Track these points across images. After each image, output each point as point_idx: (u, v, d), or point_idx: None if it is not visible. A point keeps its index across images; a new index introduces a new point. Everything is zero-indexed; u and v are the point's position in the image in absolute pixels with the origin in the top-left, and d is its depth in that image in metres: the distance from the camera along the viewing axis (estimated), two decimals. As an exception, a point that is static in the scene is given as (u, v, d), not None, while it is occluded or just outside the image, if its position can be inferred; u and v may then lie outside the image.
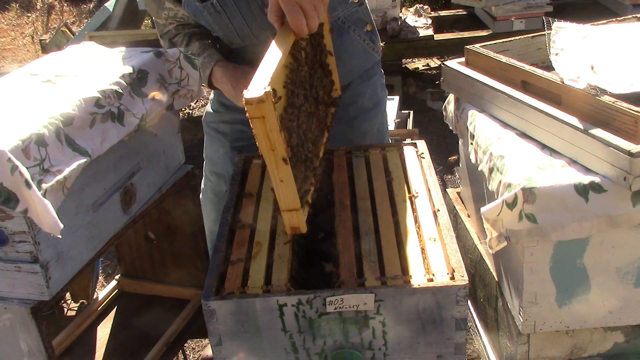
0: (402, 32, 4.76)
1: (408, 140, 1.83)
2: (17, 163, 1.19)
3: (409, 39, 4.75)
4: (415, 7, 5.18)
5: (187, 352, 2.70)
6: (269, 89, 1.18)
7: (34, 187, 1.21)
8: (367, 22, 1.93)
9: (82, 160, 1.34)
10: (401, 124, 3.80)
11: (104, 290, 2.07)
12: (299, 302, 1.35)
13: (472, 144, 1.66)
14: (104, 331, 1.91)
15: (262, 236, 1.48)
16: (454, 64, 1.81)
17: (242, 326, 1.39)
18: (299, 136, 1.37)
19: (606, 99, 1.34)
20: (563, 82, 1.43)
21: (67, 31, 4.91)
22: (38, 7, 7.99)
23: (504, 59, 1.63)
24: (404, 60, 5.31)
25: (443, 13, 5.47)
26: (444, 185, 3.73)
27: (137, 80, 1.54)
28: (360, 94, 1.97)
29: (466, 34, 4.82)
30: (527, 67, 1.55)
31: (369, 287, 1.36)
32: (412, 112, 3.94)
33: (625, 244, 1.39)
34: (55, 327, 1.92)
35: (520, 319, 1.47)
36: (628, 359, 1.54)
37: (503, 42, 1.80)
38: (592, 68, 1.43)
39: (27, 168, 1.22)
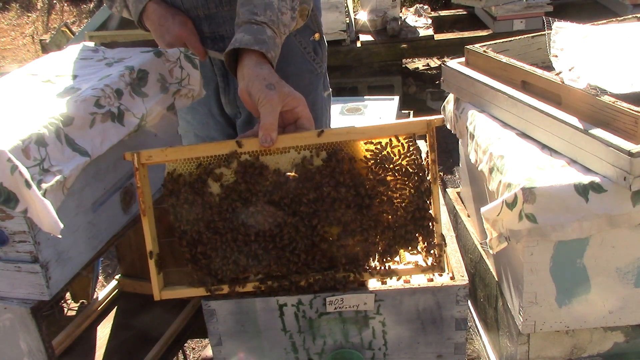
0: (402, 32, 4.76)
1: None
2: (17, 163, 1.19)
3: (409, 39, 4.75)
4: (415, 7, 5.18)
5: (187, 352, 2.70)
6: (135, 157, 1.31)
7: (34, 187, 1.21)
8: (315, 30, 1.80)
9: (82, 160, 1.34)
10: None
11: (104, 290, 2.07)
12: (299, 302, 1.35)
13: (472, 144, 1.66)
14: (104, 331, 1.91)
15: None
16: (454, 64, 1.81)
17: (242, 326, 1.39)
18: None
19: (606, 99, 1.34)
20: (563, 82, 1.43)
21: (67, 31, 4.91)
22: (38, 7, 7.99)
23: (504, 59, 1.63)
24: (404, 60, 5.31)
25: (443, 13, 5.47)
26: (444, 185, 3.73)
27: (137, 80, 1.53)
28: None
29: (466, 34, 4.83)
30: (527, 67, 1.55)
31: (369, 287, 1.36)
32: (412, 112, 3.94)
33: (625, 244, 1.39)
34: (55, 327, 1.92)
35: (520, 319, 1.47)
36: (628, 359, 1.54)
37: (503, 42, 1.80)
38: (571, 69, 1.44)
39: (27, 168, 1.22)
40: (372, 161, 1.30)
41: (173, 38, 1.67)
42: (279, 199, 1.29)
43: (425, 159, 1.30)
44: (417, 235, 1.32)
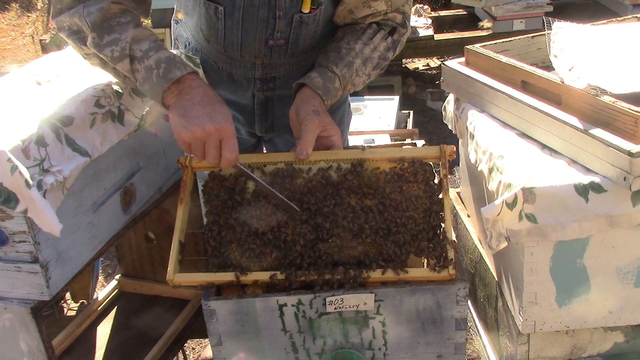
0: (402, 32, 4.75)
1: (408, 140, 1.84)
2: (17, 163, 1.20)
3: (409, 39, 4.74)
4: (415, 7, 5.17)
5: (187, 352, 2.70)
6: (188, 159, 1.50)
7: (34, 187, 1.21)
8: None
9: (82, 160, 1.34)
10: (401, 123, 3.80)
11: (104, 290, 2.07)
12: (299, 302, 1.35)
13: (472, 144, 1.66)
14: (104, 331, 1.91)
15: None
16: (454, 64, 1.81)
17: (242, 326, 1.39)
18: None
19: (606, 99, 1.34)
20: (563, 82, 1.43)
21: (67, 31, 4.89)
22: (38, 7, 7.99)
23: (504, 59, 1.63)
24: (404, 60, 5.31)
25: (443, 13, 5.47)
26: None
27: (137, 80, 1.53)
28: None
29: (466, 34, 4.82)
30: (527, 67, 1.55)
31: (369, 287, 1.37)
32: (412, 112, 3.94)
33: (625, 244, 1.39)
34: (55, 327, 1.92)
35: (520, 319, 1.47)
36: (628, 359, 1.54)
37: (503, 42, 1.80)
38: (571, 69, 1.44)
39: (27, 168, 1.22)
40: (391, 175, 1.45)
41: (222, 122, 1.37)
42: (303, 198, 1.43)
43: (438, 175, 1.45)
44: (428, 241, 1.40)
